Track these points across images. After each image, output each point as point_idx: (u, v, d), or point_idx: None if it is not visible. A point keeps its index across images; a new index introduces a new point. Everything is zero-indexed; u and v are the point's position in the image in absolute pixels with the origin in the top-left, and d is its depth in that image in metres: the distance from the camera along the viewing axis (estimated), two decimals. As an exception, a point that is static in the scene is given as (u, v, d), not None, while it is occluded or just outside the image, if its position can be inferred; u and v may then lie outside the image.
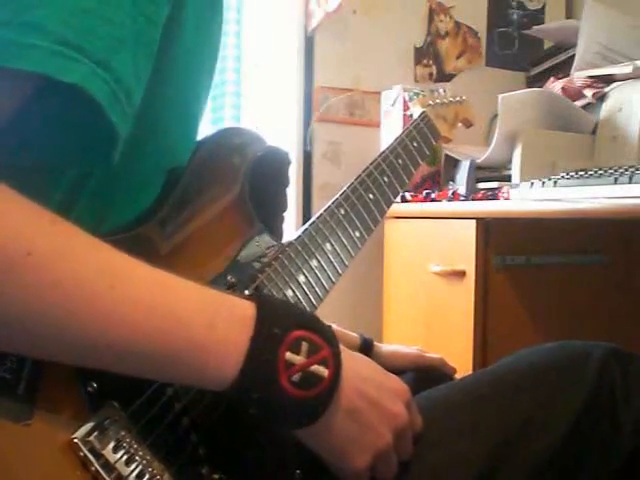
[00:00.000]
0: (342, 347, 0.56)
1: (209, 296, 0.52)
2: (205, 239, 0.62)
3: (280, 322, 0.52)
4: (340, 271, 0.72)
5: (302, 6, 1.92)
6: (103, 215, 0.56)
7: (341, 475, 0.57)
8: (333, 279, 0.71)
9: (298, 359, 0.51)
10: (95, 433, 0.48)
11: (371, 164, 0.83)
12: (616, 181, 1.17)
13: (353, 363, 0.57)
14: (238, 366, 0.50)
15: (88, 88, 0.45)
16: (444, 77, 2.13)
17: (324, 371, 0.52)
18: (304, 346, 0.52)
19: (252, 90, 2.00)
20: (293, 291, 0.66)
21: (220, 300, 0.52)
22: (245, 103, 2.00)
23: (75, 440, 0.47)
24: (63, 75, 0.45)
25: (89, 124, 0.48)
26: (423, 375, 0.91)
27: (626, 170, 1.21)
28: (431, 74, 2.11)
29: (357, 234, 0.76)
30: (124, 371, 0.49)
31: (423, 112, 0.97)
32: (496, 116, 1.67)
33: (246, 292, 0.62)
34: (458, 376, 0.90)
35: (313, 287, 0.68)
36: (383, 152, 0.86)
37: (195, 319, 0.49)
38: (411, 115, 1.00)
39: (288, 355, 0.51)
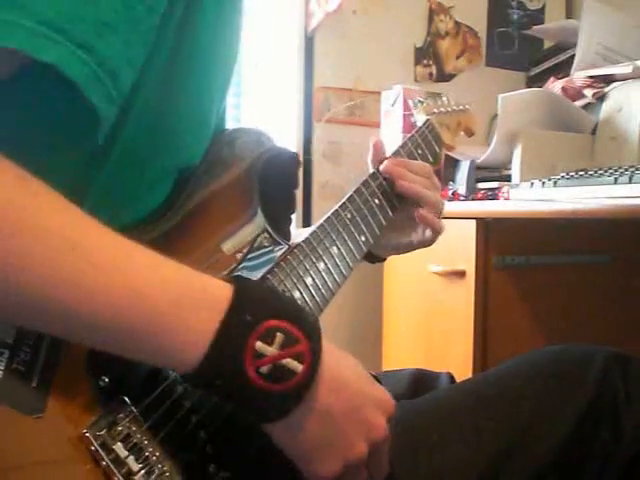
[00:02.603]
0: (330, 346, 0.54)
1: (180, 273, 0.49)
2: (194, 227, 0.61)
3: (255, 308, 0.49)
4: (346, 274, 0.72)
5: (302, 6, 1.92)
6: (111, 214, 0.56)
7: (308, 478, 0.54)
8: (339, 282, 0.70)
9: (270, 350, 0.48)
10: (106, 428, 0.49)
11: (376, 169, 0.84)
12: (616, 181, 1.17)
13: (337, 364, 0.54)
14: (203, 350, 0.47)
15: (65, 68, 0.45)
16: (444, 77, 2.13)
17: (298, 366, 0.49)
18: (278, 337, 0.49)
19: (252, 90, 2.00)
20: (300, 293, 0.66)
21: (191, 278, 0.49)
22: (245, 103, 2.00)
23: (86, 434, 0.48)
24: (41, 54, 0.45)
25: (71, 106, 0.48)
26: (421, 375, 0.92)
27: (626, 170, 1.21)
28: (431, 74, 2.11)
29: (363, 238, 0.76)
30: (84, 342, 0.47)
31: (427, 120, 0.97)
32: (496, 116, 1.68)
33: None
34: (458, 377, 0.91)
35: (320, 289, 0.68)
36: (388, 158, 0.87)
37: (159, 295, 0.47)
38: (415, 122, 1.00)
39: (259, 345, 0.48)
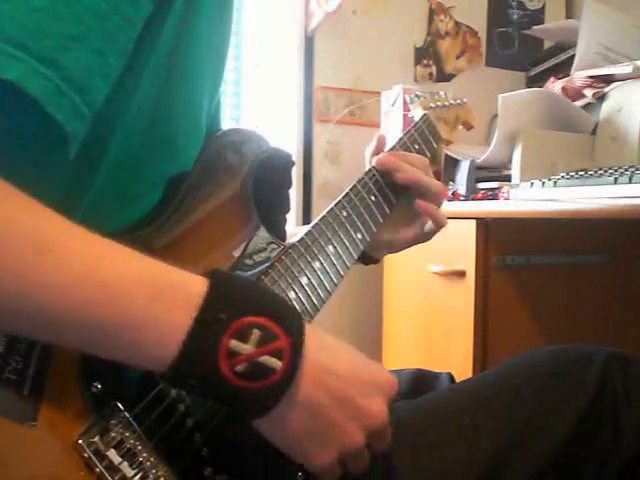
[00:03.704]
0: (320, 336, 0.53)
1: (154, 269, 0.48)
2: (202, 236, 0.61)
3: (231, 305, 0.48)
4: (342, 273, 0.71)
5: (302, 6, 1.92)
6: (106, 217, 0.56)
7: (308, 469, 0.54)
8: (335, 281, 0.70)
9: (245, 348, 0.47)
10: (99, 434, 0.48)
11: (372, 165, 0.83)
12: (616, 181, 1.17)
13: (325, 356, 0.52)
14: (177, 348, 0.46)
15: (25, 84, 0.44)
16: (444, 77, 2.13)
17: (276, 363, 0.48)
18: (255, 334, 0.47)
19: (252, 90, 2.00)
20: (296, 293, 0.65)
21: (168, 274, 0.48)
22: (245, 103, 2.00)
23: (79, 441, 0.47)
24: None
25: (41, 122, 0.47)
26: (421, 375, 0.92)
27: (626, 170, 1.21)
28: (431, 74, 2.11)
29: (359, 236, 0.75)
30: (62, 342, 0.47)
31: (424, 114, 0.96)
32: (496, 116, 1.68)
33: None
34: (458, 377, 0.91)
35: (316, 289, 0.67)
36: (385, 154, 0.86)
37: (133, 292, 0.46)
38: (412, 117, 0.99)
39: (233, 343, 0.47)
